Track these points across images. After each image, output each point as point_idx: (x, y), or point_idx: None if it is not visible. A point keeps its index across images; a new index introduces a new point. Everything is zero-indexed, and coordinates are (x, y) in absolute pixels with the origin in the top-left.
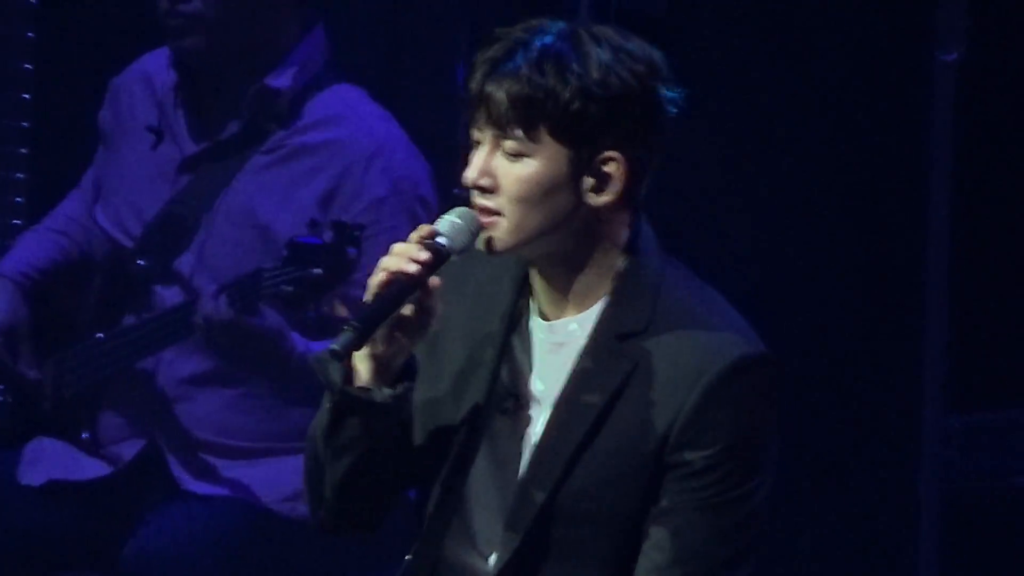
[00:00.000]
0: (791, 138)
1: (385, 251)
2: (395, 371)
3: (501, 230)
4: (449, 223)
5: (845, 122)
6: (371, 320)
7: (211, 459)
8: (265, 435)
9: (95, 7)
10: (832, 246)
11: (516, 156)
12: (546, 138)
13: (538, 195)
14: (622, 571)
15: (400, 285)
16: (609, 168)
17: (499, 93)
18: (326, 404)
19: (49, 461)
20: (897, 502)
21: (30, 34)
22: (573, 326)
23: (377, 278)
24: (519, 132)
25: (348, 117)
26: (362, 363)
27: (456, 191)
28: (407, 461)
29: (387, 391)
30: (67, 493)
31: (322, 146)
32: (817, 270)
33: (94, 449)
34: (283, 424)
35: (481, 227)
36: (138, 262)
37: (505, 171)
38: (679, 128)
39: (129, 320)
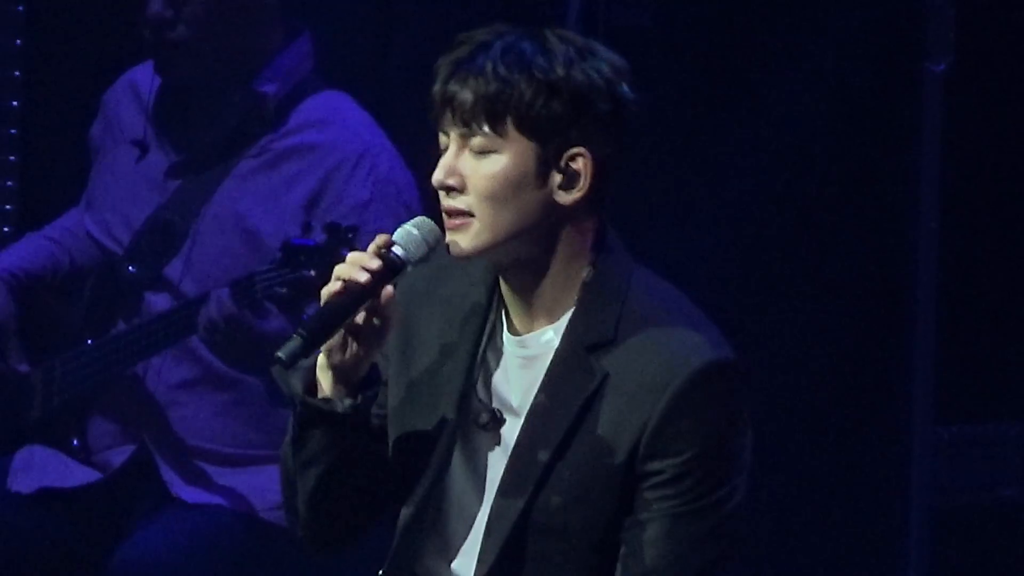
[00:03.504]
0: (780, 148)
1: None
2: (356, 382)
3: (471, 232)
4: (405, 233)
5: (835, 131)
6: (319, 329)
7: (201, 465)
8: (255, 442)
9: (83, 15)
10: (821, 256)
11: (484, 153)
12: (513, 133)
13: (507, 192)
14: None
15: (351, 294)
16: (576, 164)
17: (465, 92)
18: (292, 417)
19: (39, 469)
20: (887, 513)
21: (18, 42)
22: (542, 339)
23: (329, 287)
24: (486, 128)
25: (334, 122)
26: (323, 375)
27: None
28: (378, 475)
29: (348, 401)
30: (58, 501)
31: (307, 149)
32: (806, 280)
33: (84, 456)
34: (273, 431)
35: (439, 239)
36: (129, 269)
37: (473, 169)
38: (668, 137)
39: (119, 327)
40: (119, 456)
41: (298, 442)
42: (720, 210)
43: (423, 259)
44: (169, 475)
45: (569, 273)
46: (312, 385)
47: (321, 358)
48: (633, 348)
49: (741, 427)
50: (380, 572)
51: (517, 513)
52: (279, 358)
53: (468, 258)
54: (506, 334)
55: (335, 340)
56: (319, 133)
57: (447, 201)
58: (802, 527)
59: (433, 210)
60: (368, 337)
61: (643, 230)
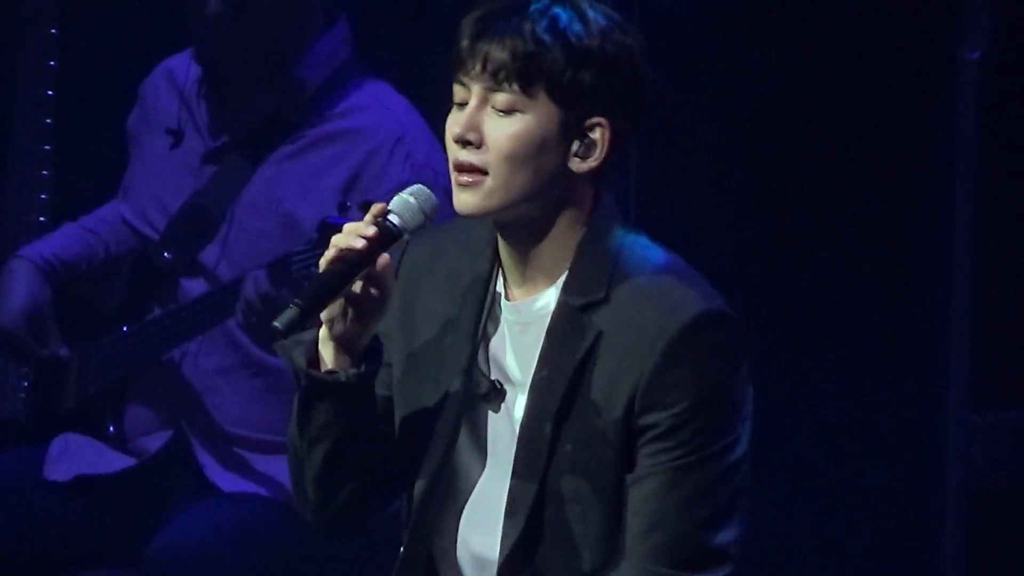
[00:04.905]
0: (816, 135)
1: None
2: (359, 353)
3: (483, 190)
4: (401, 201)
5: (870, 119)
6: (315, 297)
7: (238, 452)
8: None
9: (119, 3)
10: (857, 242)
11: (508, 112)
12: (542, 96)
13: (527, 153)
14: (618, 546)
15: (347, 262)
16: (595, 134)
17: (500, 50)
18: (296, 394)
19: (75, 456)
20: (922, 499)
21: (53, 31)
22: (539, 304)
23: (326, 255)
24: (516, 87)
25: (372, 107)
26: (325, 347)
27: None
28: (385, 454)
29: (352, 371)
30: (94, 488)
31: (345, 134)
32: (842, 266)
33: (120, 443)
34: None
35: (436, 207)
36: (164, 255)
37: (495, 126)
38: (703, 123)
39: (155, 313)
40: (155, 442)
41: (304, 417)
42: (754, 198)
43: (420, 227)
44: (206, 461)
45: (567, 238)
46: (315, 360)
47: (323, 331)
48: (625, 305)
49: (737, 377)
50: (401, 550)
51: (536, 485)
52: (276, 328)
53: (474, 217)
54: (503, 301)
55: (335, 311)
56: (357, 118)
57: (462, 154)
58: (838, 512)
59: None
60: (367, 307)
61: (679, 215)
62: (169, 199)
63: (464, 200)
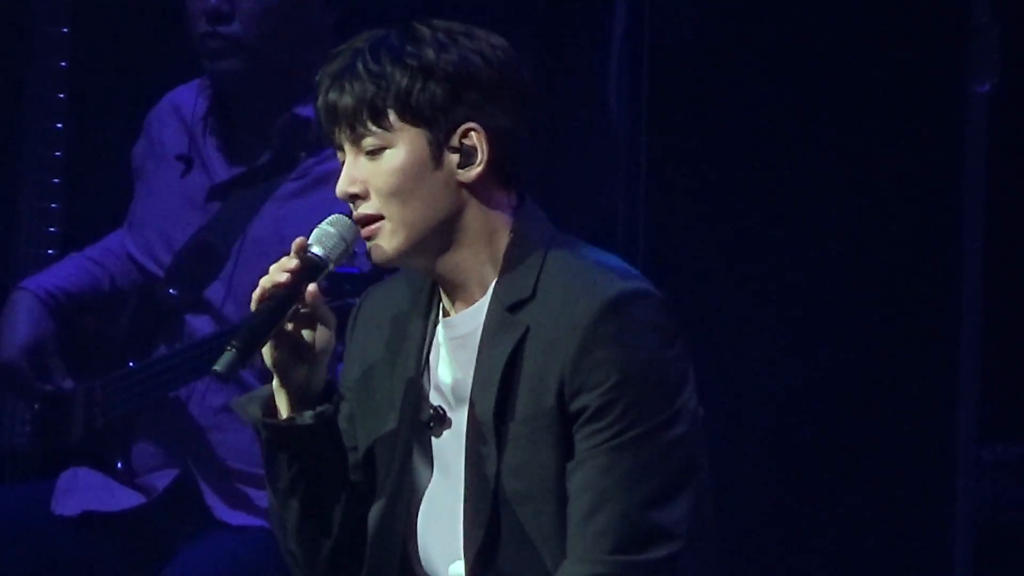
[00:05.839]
0: (824, 169)
1: None
2: (314, 397)
3: (386, 233)
4: (320, 232)
5: (879, 153)
6: (250, 337)
7: (245, 489)
8: None
9: (128, 37)
10: (867, 276)
11: (376, 152)
12: (398, 124)
13: (408, 183)
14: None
15: (275, 298)
16: (470, 140)
17: (344, 97)
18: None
19: (83, 491)
20: (930, 533)
21: (63, 63)
22: (472, 315)
23: (255, 295)
24: (372, 126)
25: None
26: (280, 397)
27: None
28: (360, 503)
29: (308, 414)
30: (101, 524)
31: None
32: (851, 299)
33: (128, 479)
34: None
35: (357, 235)
36: (169, 291)
37: (371, 171)
38: (711, 151)
39: (161, 349)
40: (163, 480)
41: (272, 472)
42: (760, 229)
43: (343, 254)
44: (212, 499)
45: (493, 248)
46: (272, 411)
47: (275, 381)
48: (551, 299)
49: (668, 354)
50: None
51: (490, 492)
52: (216, 371)
53: (393, 261)
54: (441, 322)
55: (280, 356)
56: None
57: (356, 211)
58: (846, 545)
59: None
60: (310, 347)
61: (685, 238)
62: (174, 234)
63: (374, 248)
